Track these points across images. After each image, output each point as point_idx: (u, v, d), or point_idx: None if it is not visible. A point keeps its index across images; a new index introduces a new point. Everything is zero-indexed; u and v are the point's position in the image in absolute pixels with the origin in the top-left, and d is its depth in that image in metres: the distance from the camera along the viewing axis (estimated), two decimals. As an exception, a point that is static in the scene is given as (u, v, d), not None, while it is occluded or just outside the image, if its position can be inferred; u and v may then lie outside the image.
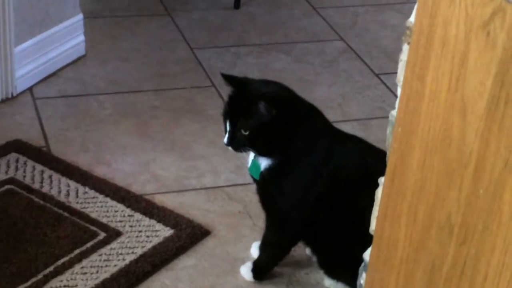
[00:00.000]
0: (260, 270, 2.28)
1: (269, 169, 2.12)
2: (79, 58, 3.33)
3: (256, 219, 2.46)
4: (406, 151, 1.28)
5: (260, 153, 2.11)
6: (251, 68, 3.37)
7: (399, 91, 1.36)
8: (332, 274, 2.22)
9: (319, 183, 2.10)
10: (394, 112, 1.38)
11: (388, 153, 1.38)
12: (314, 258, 2.22)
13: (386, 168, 1.35)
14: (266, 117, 2.03)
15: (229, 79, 2.12)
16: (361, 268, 1.53)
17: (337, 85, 3.33)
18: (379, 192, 1.41)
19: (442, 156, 1.21)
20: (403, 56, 1.36)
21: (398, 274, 1.32)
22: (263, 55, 3.50)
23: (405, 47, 1.35)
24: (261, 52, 3.53)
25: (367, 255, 1.47)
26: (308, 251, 2.29)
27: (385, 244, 1.35)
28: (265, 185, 2.17)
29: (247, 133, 2.05)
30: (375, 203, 1.44)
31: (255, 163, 2.15)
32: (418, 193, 1.26)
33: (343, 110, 3.14)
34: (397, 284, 1.32)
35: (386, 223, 1.35)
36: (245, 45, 3.58)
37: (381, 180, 1.40)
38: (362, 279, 1.49)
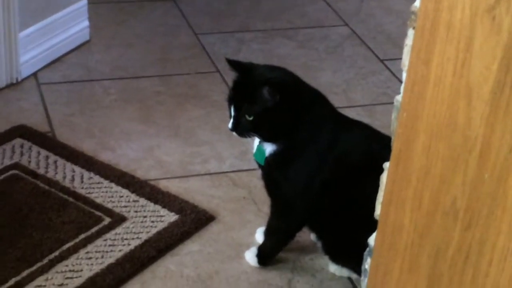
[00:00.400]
0: (265, 255, 2.28)
1: (274, 155, 2.12)
2: (83, 44, 3.33)
3: (261, 204, 2.46)
4: (411, 136, 1.28)
5: (264, 138, 2.11)
6: (256, 53, 3.36)
7: (404, 76, 1.36)
8: (337, 259, 2.22)
9: (324, 169, 2.09)
10: (399, 97, 1.38)
11: (393, 138, 1.38)
12: (319, 244, 2.22)
13: (391, 153, 1.35)
14: (270, 102, 2.03)
15: (234, 64, 2.12)
16: (365, 253, 1.53)
17: (341, 71, 3.32)
18: (384, 177, 1.41)
19: (447, 141, 1.21)
20: (408, 41, 1.35)
21: (403, 259, 1.32)
22: (267, 41, 3.50)
23: (410, 32, 1.35)
24: (265, 37, 3.53)
25: (372, 240, 1.48)
26: (313, 236, 2.29)
27: (390, 229, 1.35)
28: (270, 171, 2.17)
29: (251, 118, 2.05)
30: (380, 188, 1.44)
31: (260, 149, 2.15)
32: (423, 178, 1.26)
33: (347, 96, 3.14)
34: (402, 268, 1.33)
35: (391, 208, 1.35)
36: (249, 30, 3.57)
37: (386, 165, 1.40)
38: (367, 264, 1.49)
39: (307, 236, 2.33)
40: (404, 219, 1.31)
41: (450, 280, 1.22)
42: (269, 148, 2.12)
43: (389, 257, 1.35)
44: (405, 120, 1.30)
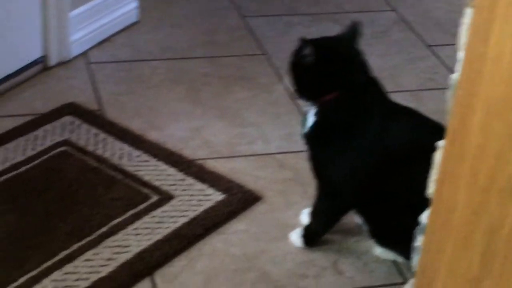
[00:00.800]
0: (310, 236, 2.29)
1: (314, 126, 2.15)
2: (132, 24, 3.35)
3: (307, 186, 2.47)
4: (467, 114, 1.28)
5: (294, 88, 2.17)
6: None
7: (460, 55, 1.36)
8: (384, 243, 2.22)
9: (372, 156, 2.10)
10: (454, 76, 1.38)
11: (447, 116, 1.37)
12: (365, 227, 2.23)
13: (446, 132, 1.35)
14: (304, 59, 2.11)
15: (352, 24, 2.21)
16: (416, 230, 1.54)
17: (388, 56, 3.31)
18: (437, 156, 1.41)
19: (504, 118, 1.21)
20: (466, 20, 1.35)
21: (456, 237, 1.32)
22: (314, 25, 3.49)
23: (468, 11, 1.34)
24: (312, 21, 3.52)
25: (424, 218, 1.48)
26: (358, 219, 2.29)
27: (444, 207, 1.35)
28: (312, 145, 2.17)
29: (292, 64, 2.16)
30: (433, 166, 1.44)
31: (304, 119, 2.18)
32: (479, 155, 1.26)
33: (394, 81, 3.12)
34: (455, 246, 1.33)
35: (445, 186, 1.35)
36: (296, 14, 3.57)
37: (440, 143, 1.40)
38: (418, 241, 1.50)
39: (352, 218, 2.33)
40: (458, 197, 1.30)
41: (504, 257, 1.22)
42: (311, 119, 2.16)
43: (442, 235, 1.35)
44: (461, 98, 1.29)
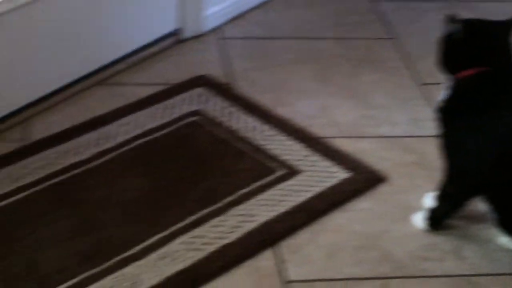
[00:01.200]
0: (435, 219, 2.29)
1: (448, 100, 2.15)
2: (265, 3, 3.39)
3: (432, 171, 2.46)
4: None
5: (437, 63, 2.18)
6: (433, 23, 3.32)
7: None
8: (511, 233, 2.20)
9: (506, 142, 2.08)
10: None
11: None
12: (491, 215, 2.20)
13: None
14: (453, 35, 2.13)
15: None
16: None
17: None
18: None
19: None
20: None
21: None
22: (445, 12, 3.44)
23: None
24: (444, 8, 3.47)
25: None
26: (482, 206, 2.27)
27: None
28: (444, 119, 2.17)
29: (441, 39, 2.19)
30: None
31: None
32: None
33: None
34: None
35: None
36: (427, 0, 3.54)
37: None
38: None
39: (477, 205, 2.31)
40: None
41: None
42: (445, 92, 2.16)
43: None
44: None
